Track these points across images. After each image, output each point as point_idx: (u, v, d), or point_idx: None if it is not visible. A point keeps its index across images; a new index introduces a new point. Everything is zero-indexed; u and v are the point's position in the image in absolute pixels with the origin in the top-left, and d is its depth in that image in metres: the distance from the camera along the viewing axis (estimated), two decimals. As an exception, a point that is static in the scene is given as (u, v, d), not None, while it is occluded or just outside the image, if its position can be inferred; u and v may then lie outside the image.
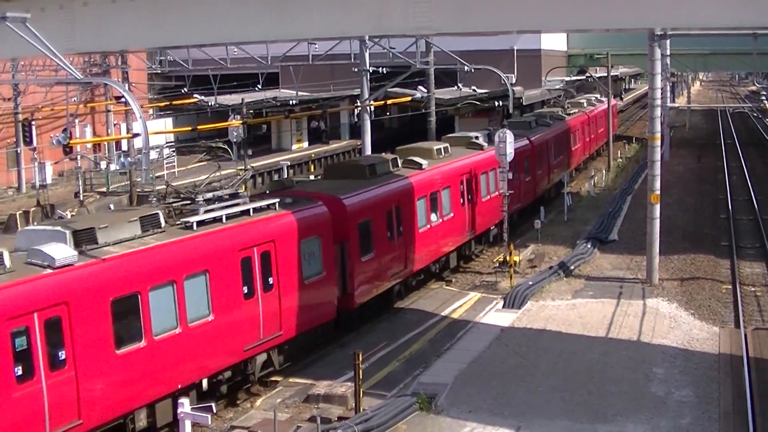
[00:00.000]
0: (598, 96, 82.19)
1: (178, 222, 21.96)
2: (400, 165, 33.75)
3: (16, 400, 16.86)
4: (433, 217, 33.92)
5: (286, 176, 55.52)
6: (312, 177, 56.93)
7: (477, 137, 42.09)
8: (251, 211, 23.76)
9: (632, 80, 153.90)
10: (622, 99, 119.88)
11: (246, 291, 22.58)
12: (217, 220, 22.56)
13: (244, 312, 22.48)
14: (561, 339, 26.96)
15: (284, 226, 24.41)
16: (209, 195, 23.88)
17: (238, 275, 22.36)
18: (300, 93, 68.65)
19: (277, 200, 24.97)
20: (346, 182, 29.97)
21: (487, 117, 65.54)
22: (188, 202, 23.46)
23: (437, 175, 34.97)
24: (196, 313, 21.07)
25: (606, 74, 71.94)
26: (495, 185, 40.10)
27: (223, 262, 21.90)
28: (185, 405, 16.77)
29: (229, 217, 22.96)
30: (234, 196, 24.55)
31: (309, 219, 25.43)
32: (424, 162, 34.60)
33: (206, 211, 22.58)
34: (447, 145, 38.61)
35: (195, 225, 21.74)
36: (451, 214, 35.52)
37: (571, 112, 65.72)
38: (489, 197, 39.64)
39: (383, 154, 40.16)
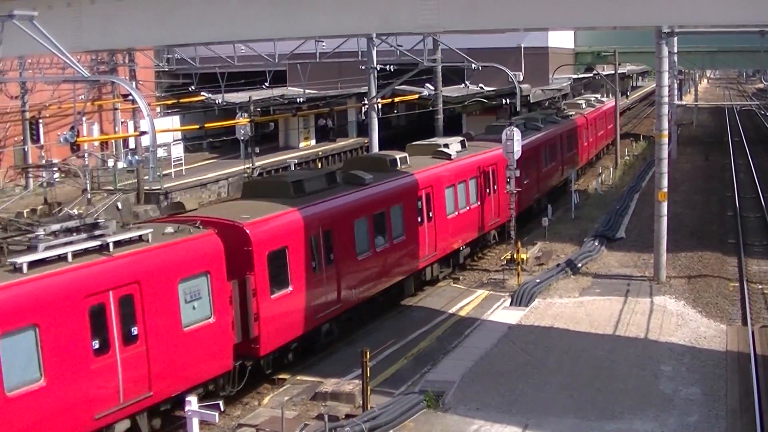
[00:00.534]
0: (598, 96, 79.65)
1: (8, 263, 17.80)
2: (339, 181, 29.31)
3: None
4: (379, 240, 29.42)
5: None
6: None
7: (446, 145, 37.80)
8: (111, 245, 19.41)
9: (639, 78, 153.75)
10: (627, 97, 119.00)
11: (97, 346, 18.48)
12: (61, 258, 18.35)
13: (94, 372, 18.41)
14: (568, 336, 26.96)
15: (154, 263, 20.07)
16: (56, 226, 19.30)
17: (84, 327, 18.24)
18: (307, 91, 68.60)
19: (150, 230, 20.60)
20: (265, 203, 25.61)
21: (495, 115, 65.48)
22: (30, 235, 18.91)
23: (384, 191, 30.39)
24: (20, 378, 17.08)
25: (613, 72, 71.77)
26: (466, 199, 36.44)
27: (62, 313, 17.83)
28: (193, 403, 16.80)
29: (78, 254, 18.69)
30: (93, 226, 19.92)
31: (192, 252, 21.12)
32: (367, 177, 30.01)
33: (48, 248, 18.34)
34: (405, 155, 34.22)
35: (25, 266, 17.59)
36: (403, 237, 30.91)
37: (568, 114, 61.82)
38: (456, 214, 35.33)
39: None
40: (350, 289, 27.65)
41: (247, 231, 23.14)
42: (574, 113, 63.05)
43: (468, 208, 36.58)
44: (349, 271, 27.51)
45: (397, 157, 33.48)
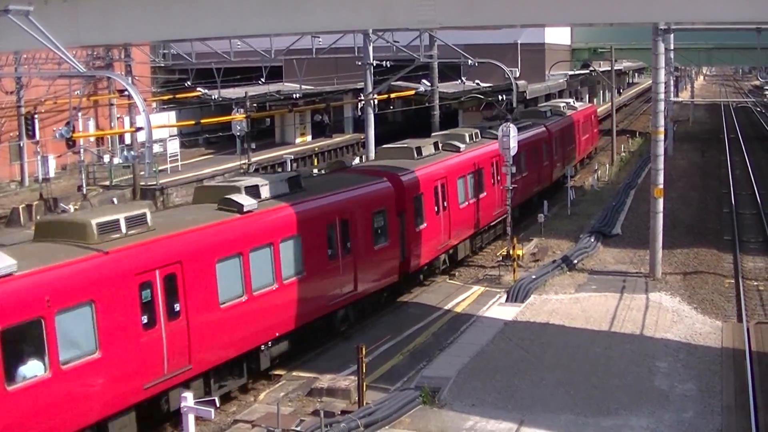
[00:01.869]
0: (571, 101, 67.31)
1: None
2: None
3: None
4: (83, 348, 18.29)
5: (289, 169, 55.26)
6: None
7: (255, 187, 25.11)
8: None
9: (636, 74, 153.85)
10: (620, 94, 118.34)
11: None
12: None
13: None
14: (564, 333, 26.96)
15: None
16: None
17: None
18: (303, 86, 68.65)
19: None
20: None
21: (490, 111, 65.45)
22: None
23: (55, 279, 18.03)
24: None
25: (610, 68, 71.69)
26: (274, 273, 24.15)
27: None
28: (188, 399, 16.79)
29: None
30: None
31: None
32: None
33: None
34: (143, 212, 21.15)
35: None
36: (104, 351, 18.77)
37: (522, 125, 45.32)
38: (245, 298, 22.90)
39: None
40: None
41: None
42: (531, 123, 49.70)
43: (276, 285, 24.31)
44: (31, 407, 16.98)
45: (121, 217, 20.46)
